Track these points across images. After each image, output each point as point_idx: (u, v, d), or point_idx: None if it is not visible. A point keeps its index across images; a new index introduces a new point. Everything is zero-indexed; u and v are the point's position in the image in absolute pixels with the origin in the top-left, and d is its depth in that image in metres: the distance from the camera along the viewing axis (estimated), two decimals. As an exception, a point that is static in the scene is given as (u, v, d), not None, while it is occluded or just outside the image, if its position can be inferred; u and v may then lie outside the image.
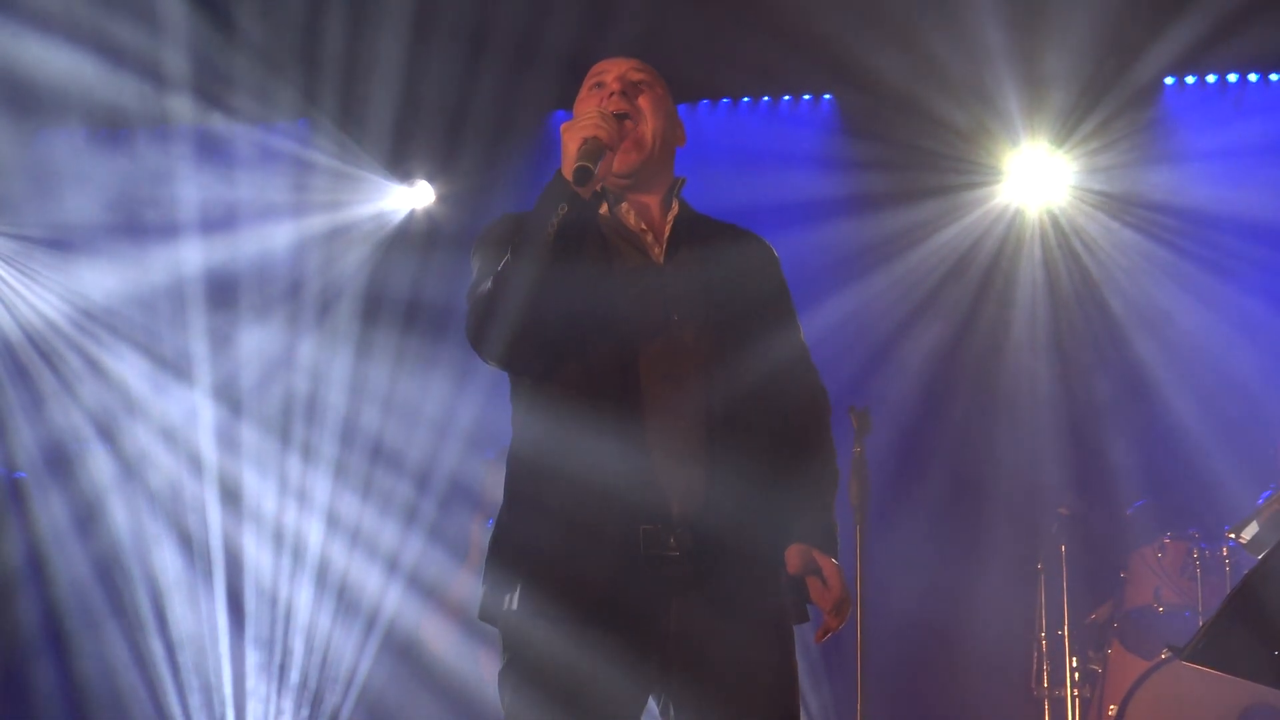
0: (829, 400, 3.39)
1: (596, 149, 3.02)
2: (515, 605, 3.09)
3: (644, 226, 3.27)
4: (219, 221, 8.38)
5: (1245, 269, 7.79)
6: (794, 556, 3.15)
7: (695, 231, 3.31)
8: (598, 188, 3.10)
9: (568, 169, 3.01)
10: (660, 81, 3.35)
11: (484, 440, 7.71)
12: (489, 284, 3.06)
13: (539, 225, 3.01)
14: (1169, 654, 6.49)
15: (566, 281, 3.03)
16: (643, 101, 3.28)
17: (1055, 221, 8.13)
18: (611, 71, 3.31)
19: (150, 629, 7.93)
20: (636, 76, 3.31)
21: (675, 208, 3.32)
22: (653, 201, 3.31)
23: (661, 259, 3.24)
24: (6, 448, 8.26)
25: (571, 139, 3.04)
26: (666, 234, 3.28)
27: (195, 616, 8.08)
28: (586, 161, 2.99)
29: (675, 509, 3.07)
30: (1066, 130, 7.87)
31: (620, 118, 3.20)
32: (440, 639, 7.06)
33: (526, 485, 3.17)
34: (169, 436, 8.33)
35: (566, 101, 3.14)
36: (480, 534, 7.13)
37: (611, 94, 3.26)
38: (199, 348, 8.35)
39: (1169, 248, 7.94)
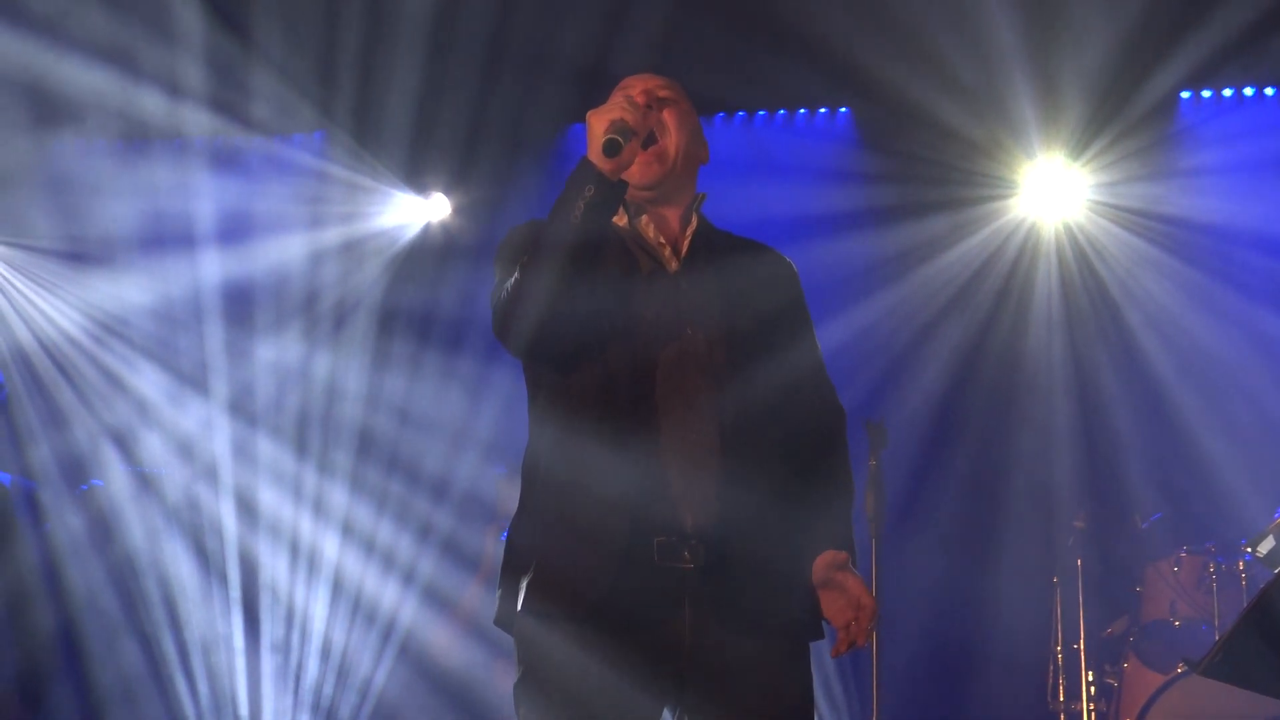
0: (844, 415, 3.38)
1: (624, 129, 3.05)
2: (524, 610, 3.10)
3: (663, 240, 3.28)
4: (236, 234, 8.42)
5: (1262, 283, 7.78)
6: (819, 564, 3.16)
7: (713, 246, 3.32)
8: (622, 176, 3.11)
9: (594, 150, 3.04)
10: (686, 99, 3.37)
11: (499, 452, 7.73)
12: (517, 272, 3.08)
13: (566, 208, 3.04)
14: (1185, 668, 6.48)
15: (590, 274, 3.05)
16: (668, 116, 3.29)
17: (1071, 234, 8.12)
18: (638, 86, 3.33)
19: (166, 638, 7.94)
20: (664, 93, 3.32)
21: (694, 222, 3.33)
22: (673, 215, 3.32)
23: (678, 271, 3.25)
24: (24, 459, 8.28)
25: (598, 121, 3.07)
26: (685, 248, 3.29)
27: (211, 626, 8.10)
28: (615, 135, 3.02)
29: (689, 521, 3.07)
30: (1082, 143, 7.87)
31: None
32: (453, 649, 7.07)
33: (540, 494, 3.17)
34: (185, 448, 8.35)
35: (582, 115, 3.15)
36: (493, 546, 7.15)
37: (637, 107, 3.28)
38: (216, 360, 8.37)
39: (1184, 261, 7.93)
